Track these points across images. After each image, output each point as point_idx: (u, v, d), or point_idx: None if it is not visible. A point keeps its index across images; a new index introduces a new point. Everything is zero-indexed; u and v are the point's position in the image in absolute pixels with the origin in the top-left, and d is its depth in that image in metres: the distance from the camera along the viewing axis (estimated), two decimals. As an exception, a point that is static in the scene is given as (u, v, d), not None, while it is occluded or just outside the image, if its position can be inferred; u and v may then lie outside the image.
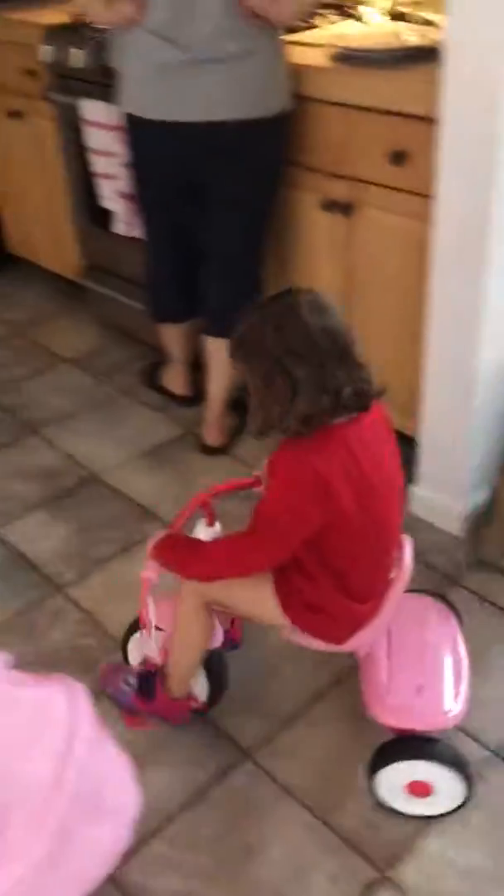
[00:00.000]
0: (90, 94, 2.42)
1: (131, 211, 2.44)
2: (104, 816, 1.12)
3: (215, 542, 1.50)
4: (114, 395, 2.71)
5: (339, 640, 1.43)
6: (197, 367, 2.50)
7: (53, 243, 3.14)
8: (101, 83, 2.32)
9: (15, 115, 2.93)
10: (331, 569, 1.33)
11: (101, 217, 2.64)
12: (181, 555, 1.42)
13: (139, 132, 2.10)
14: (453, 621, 1.60)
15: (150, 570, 1.44)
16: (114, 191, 2.50)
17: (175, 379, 2.60)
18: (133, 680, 1.56)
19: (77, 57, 2.44)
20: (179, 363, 2.56)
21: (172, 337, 2.50)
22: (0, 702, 1.06)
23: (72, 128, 2.60)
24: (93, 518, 2.20)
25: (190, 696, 1.58)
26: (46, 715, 1.06)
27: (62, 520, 2.20)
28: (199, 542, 1.49)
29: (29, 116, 2.89)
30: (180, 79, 1.93)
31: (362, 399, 1.25)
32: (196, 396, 2.54)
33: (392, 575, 1.44)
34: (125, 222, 2.54)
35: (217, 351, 2.26)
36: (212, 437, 2.40)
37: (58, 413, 2.62)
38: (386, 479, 1.33)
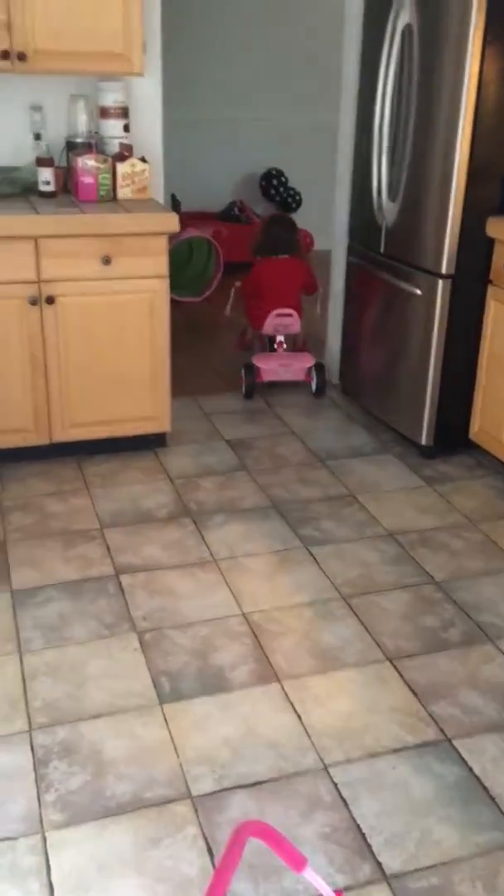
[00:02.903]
0: None
1: None
2: None
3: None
4: None
5: (257, 326, 4.23)
6: None
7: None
8: None
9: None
10: (259, 297, 4.16)
11: None
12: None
13: None
14: (309, 362, 4.13)
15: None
16: None
17: None
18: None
19: None
20: None
21: None
22: None
23: None
24: None
25: (251, 345, 4.43)
26: None
27: (522, 754, 2.02)
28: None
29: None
30: None
31: (284, 251, 4.21)
32: None
33: (290, 323, 4.14)
34: None
35: None
36: None
37: (513, 626, 2.49)
38: (281, 281, 4.14)
